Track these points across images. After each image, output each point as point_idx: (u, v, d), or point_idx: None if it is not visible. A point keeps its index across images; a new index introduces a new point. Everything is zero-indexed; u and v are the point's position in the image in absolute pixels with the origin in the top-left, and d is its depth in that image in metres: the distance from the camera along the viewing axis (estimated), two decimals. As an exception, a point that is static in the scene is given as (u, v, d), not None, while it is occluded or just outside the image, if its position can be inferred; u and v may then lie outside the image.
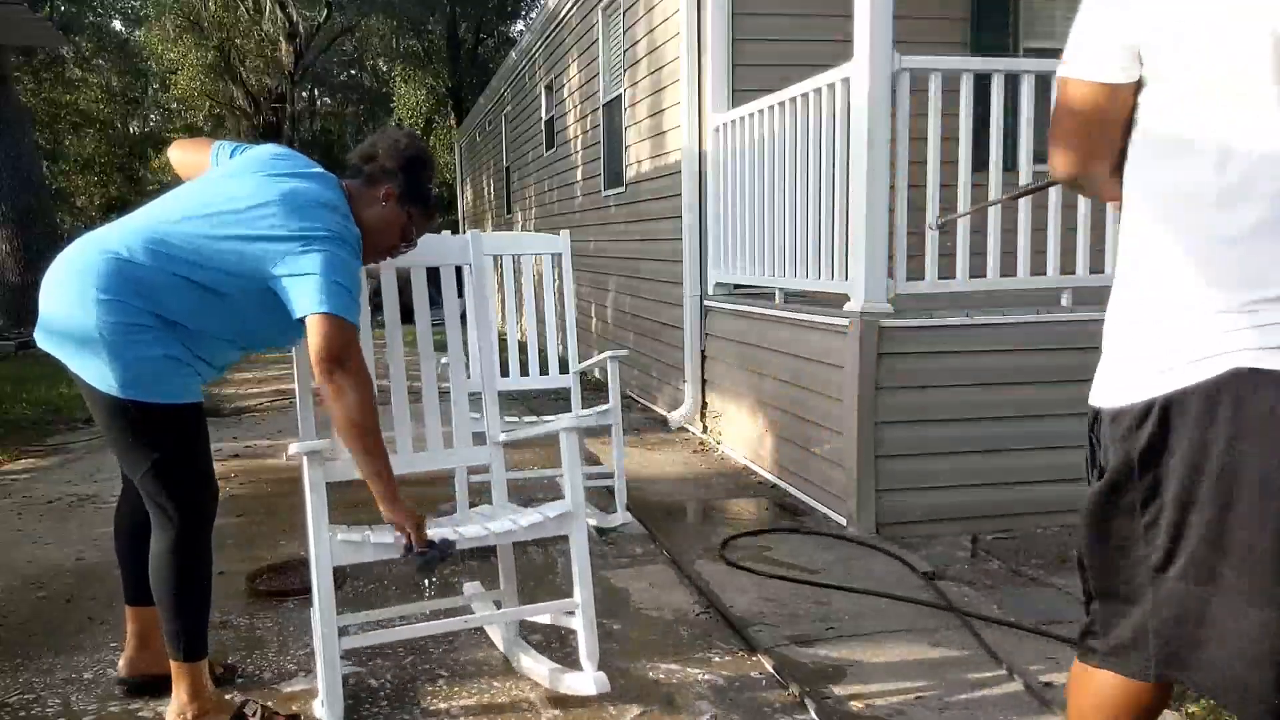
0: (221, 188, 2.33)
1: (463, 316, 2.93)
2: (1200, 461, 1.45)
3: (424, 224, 2.56)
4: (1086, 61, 1.57)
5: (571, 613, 2.57)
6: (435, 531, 2.38)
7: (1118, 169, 1.60)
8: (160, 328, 2.21)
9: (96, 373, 2.21)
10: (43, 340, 2.31)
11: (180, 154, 2.62)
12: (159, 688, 2.47)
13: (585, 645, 2.53)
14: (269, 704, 2.42)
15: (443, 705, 2.53)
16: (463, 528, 2.47)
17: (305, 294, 2.18)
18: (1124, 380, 1.54)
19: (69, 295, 2.22)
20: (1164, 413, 1.48)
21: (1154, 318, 1.51)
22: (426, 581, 2.97)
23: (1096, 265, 4.13)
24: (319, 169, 2.45)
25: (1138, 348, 1.53)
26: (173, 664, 2.35)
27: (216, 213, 2.25)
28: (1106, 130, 1.57)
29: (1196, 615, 1.50)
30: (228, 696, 2.49)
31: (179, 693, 2.34)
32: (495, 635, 2.89)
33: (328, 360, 2.18)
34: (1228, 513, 1.44)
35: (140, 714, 2.51)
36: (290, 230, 2.21)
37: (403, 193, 2.47)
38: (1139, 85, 1.51)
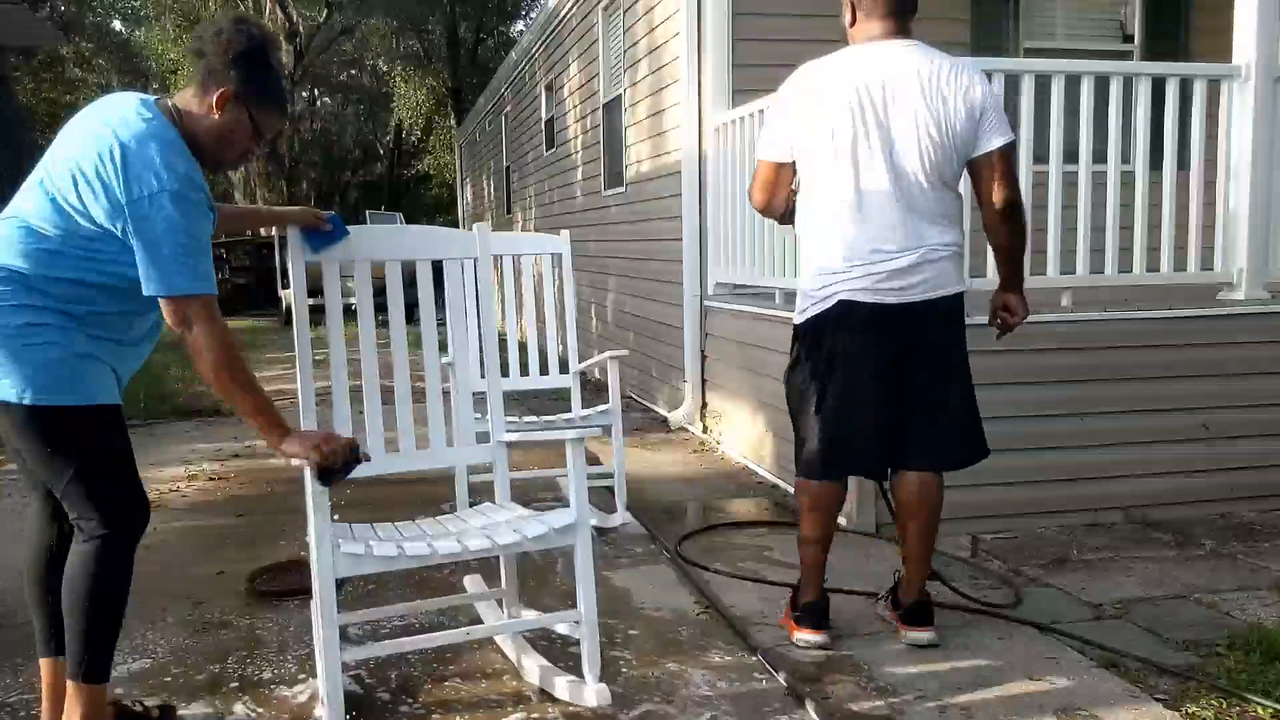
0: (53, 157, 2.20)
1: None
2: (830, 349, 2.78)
3: (273, 122, 2.31)
4: (765, 147, 2.90)
5: (575, 622, 2.56)
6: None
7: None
8: (57, 320, 2.11)
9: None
10: None
11: None
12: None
13: (588, 657, 2.52)
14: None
15: (444, 705, 2.53)
16: (468, 539, 2.45)
17: (146, 275, 2.09)
18: (802, 307, 2.85)
19: None
20: (816, 323, 2.80)
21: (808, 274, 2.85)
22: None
23: (1096, 265, 4.14)
24: (128, 103, 2.22)
25: (807, 290, 2.84)
26: (70, 685, 2.22)
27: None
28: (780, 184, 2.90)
29: (833, 431, 2.79)
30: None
31: (71, 716, 2.21)
32: (496, 635, 2.89)
33: (179, 327, 2.14)
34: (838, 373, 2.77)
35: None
36: (119, 199, 2.08)
37: (239, 92, 2.21)
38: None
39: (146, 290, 2.11)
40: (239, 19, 2.33)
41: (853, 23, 2.81)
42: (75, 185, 2.10)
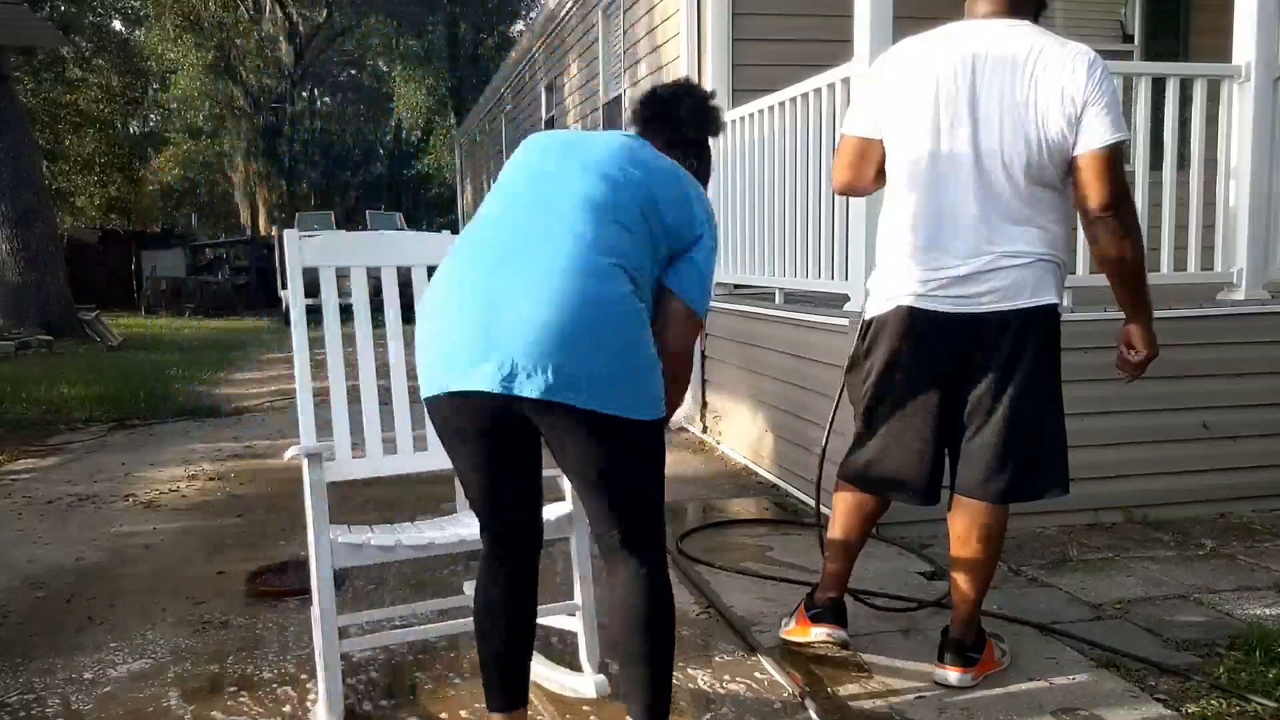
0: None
1: None
2: (887, 355, 2.56)
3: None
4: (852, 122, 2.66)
5: (572, 614, 2.57)
6: None
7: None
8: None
9: (626, 401, 1.88)
10: (557, 393, 1.84)
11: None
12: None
13: (586, 647, 2.54)
14: None
15: (444, 705, 2.53)
16: (464, 530, 2.47)
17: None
18: (870, 304, 2.66)
19: (595, 322, 1.85)
20: (877, 325, 2.60)
21: (878, 270, 2.65)
22: None
23: (1097, 265, 4.13)
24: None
25: (872, 287, 2.65)
26: None
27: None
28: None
29: (881, 443, 2.62)
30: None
31: None
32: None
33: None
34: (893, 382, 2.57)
35: (141, 714, 2.51)
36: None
37: (698, 169, 2.24)
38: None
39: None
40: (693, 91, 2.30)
41: None
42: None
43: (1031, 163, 2.39)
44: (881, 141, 2.55)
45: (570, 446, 1.92)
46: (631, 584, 1.98)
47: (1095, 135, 2.36)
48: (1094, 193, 2.37)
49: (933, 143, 2.44)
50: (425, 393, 1.98)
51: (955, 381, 2.51)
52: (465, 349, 1.87)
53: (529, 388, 1.81)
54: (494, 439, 1.94)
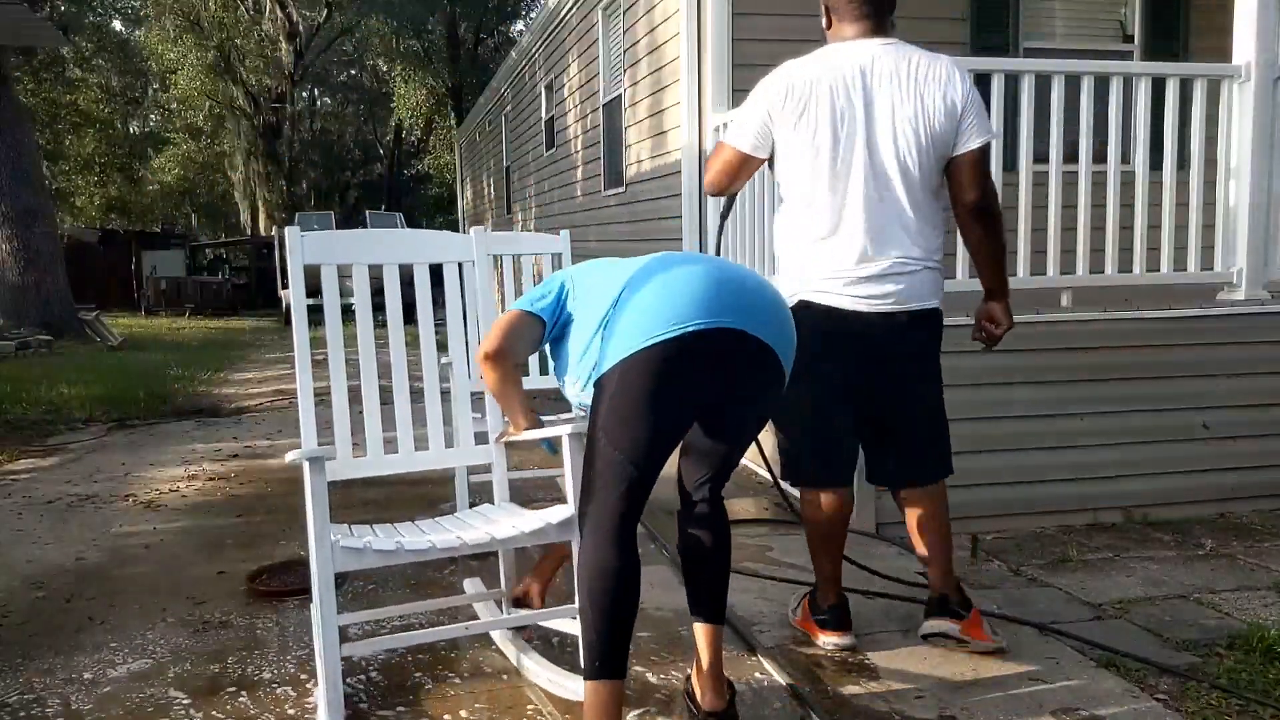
0: None
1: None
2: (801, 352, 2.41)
3: None
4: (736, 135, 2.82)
5: (574, 617, 2.57)
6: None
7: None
8: None
9: (789, 360, 2.28)
10: (768, 337, 2.21)
11: None
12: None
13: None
14: None
15: (444, 706, 2.53)
16: (465, 533, 2.46)
17: None
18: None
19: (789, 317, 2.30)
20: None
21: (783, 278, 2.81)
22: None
23: (1096, 265, 4.14)
24: None
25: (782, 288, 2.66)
26: (717, 631, 2.36)
27: None
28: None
29: (812, 434, 2.83)
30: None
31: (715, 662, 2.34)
32: (496, 635, 2.89)
33: None
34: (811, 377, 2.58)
35: (141, 714, 2.51)
36: None
37: None
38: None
39: None
40: None
41: (829, 26, 2.78)
42: None
43: (920, 169, 2.63)
44: (759, 159, 2.81)
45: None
46: (716, 514, 2.46)
47: (976, 136, 2.65)
48: (972, 188, 2.67)
49: (831, 154, 2.64)
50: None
51: (865, 375, 2.74)
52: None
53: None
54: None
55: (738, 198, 3.59)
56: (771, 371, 2.25)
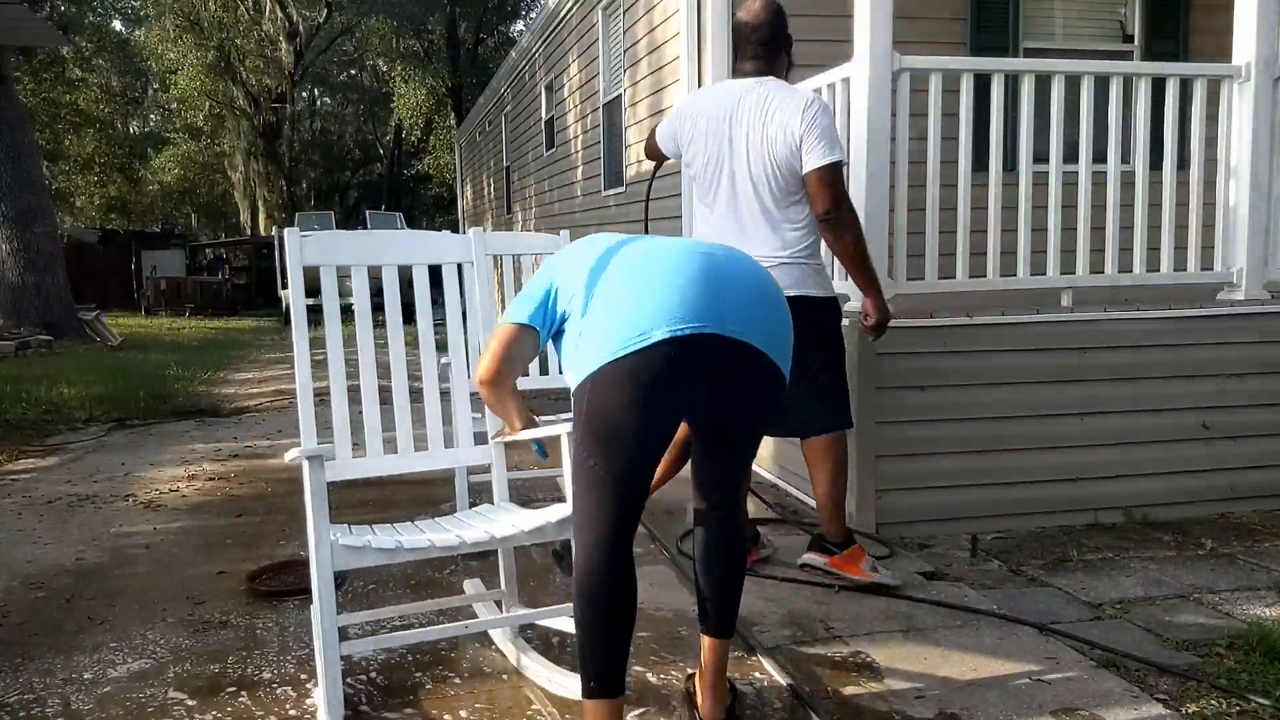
0: None
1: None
2: None
3: None
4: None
5: (573, 616, 2.56)
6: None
7: None
8: None
9: (783, 356, 2.20)
10: (752, 337, 2.10)
11: None
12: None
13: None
14: None
15: (444, 706, 2.53)
16: (465, 533, 2.46)
17: None
18: None
19: (782, 306, 2.24)
20: None
21: None
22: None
23: (1096, 265, 4.14)
24: None
25: None
26: (722, 644, 2.32)
27: None
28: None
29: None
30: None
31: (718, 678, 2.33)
32: (496, 635, 2.90)
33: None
34: None
35: (141, 714, 2.51)
36: None
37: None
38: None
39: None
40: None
41: (734, 58, 3.35)
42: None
43: (771, 187, 3.15)
44: (668, 156, 3.52)
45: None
46: (730, 528, 2.32)
47: (814, 158, 3.08)
48: (819, 200, 3.10)
49: (705, 169, 3.25)
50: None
51: None
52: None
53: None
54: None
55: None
56: (760, 375, 2.13)
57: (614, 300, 2.08)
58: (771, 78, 3.23)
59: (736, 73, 3.33)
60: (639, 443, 2.07)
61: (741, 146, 3.17)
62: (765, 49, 3.24)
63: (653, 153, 3.62)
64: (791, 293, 2.99)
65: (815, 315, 3.17)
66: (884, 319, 3.28)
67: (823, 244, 3.27)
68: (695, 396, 2.12)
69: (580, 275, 2.19)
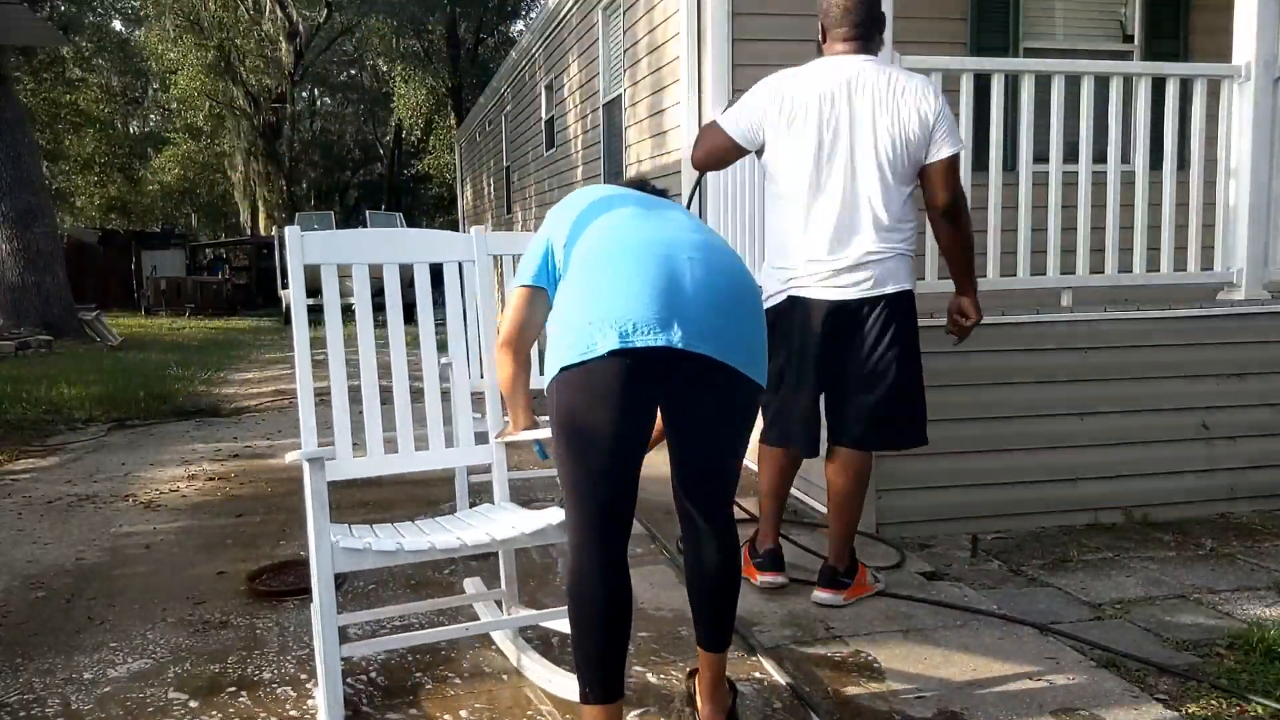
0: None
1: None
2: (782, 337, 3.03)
3: None
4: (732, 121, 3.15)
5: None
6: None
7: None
8: None
9: (759, 369, 2.15)
10: (706, 348, 2.03)
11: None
12: None
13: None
14: None
15: (444, 706, 2.53)
16: (466, 534, 2.46)
17: None
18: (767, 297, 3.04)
19: (749, 307, 2.16)
20: (773, 314, 2.98)
21: (767, 269, 3.18)
22: None
23: (1096, 265, 4.14)
24: None
25: (766, 284, 3.09)
26: (720, 659, 2.29)
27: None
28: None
29: (779, 405, 3.13)
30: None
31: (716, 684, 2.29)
32: (496, 635, 2.89)
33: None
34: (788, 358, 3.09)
35: (141, 714, 2.51)
36: None
37: None
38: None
39: None
40: None
41: (823, 41, 3.10)
42: None
43: (894, 174, 2.94)
44: (745, 151, 3.15)
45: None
46: (724, 542, 2.32)
47: (947, 146, 2.94)
48: (943, 191, 2.96)
49: (815, 158, 2.97)
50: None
51: (833, 355, 3.04)
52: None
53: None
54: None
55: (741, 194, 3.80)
56: (719, 386, 2.07)
57: (576, 289, 2.12)
58: (875, 57, 3.03)
59: (827, 54, 3.07)
60: (611, 442, 2.05)
61: (867, 124, 2.92)
62: (862, 29, 3.01)
63: (716, 154, 3.22)
64: (897, 287, 3.00)
65: (903, 308, 3.05)
66: (980, 319, 3.18)
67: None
68: (656, 397, 2.10)
69: (564, 232, 2.27)
